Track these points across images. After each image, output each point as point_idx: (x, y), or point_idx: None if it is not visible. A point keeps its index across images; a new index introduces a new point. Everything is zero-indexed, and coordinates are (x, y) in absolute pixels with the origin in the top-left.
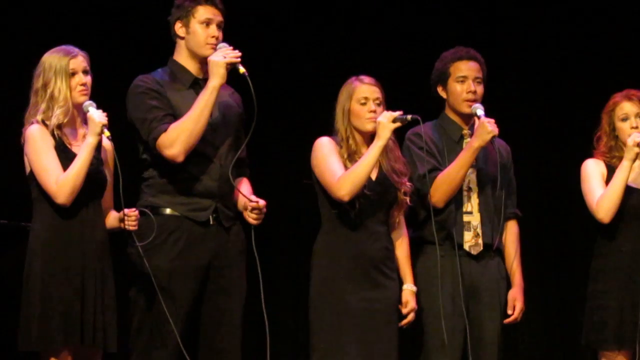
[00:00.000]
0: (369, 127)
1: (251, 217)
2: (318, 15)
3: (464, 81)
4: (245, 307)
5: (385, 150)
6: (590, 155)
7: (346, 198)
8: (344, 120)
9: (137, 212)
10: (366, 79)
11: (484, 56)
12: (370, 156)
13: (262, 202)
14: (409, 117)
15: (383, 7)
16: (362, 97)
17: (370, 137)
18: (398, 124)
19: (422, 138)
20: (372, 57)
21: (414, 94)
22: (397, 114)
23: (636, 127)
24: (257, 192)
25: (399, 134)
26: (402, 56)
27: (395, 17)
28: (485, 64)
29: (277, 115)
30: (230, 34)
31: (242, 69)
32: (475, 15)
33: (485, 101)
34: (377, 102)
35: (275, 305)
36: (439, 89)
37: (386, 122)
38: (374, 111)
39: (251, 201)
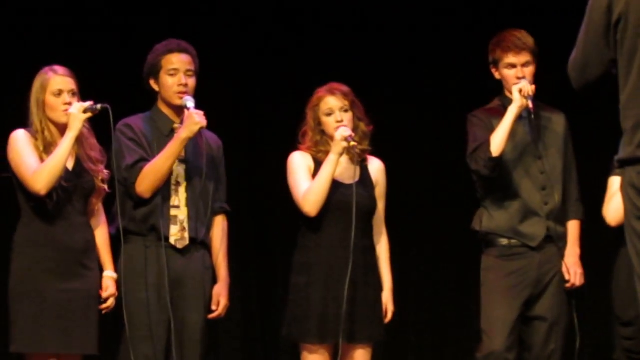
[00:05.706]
0: (64, 119)
1: None
2: None
3: (175, 74)
4: None
5: (80, 139)
6: (296, 149)
7: (43, 192)
8: (38, 113)
9: None
10: (60, 70)
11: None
12: (63, 148)
13: None
14: (99, 106)
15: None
16: (56, 89)
17: (65, 129)
18: (89, 114)
19: (132, 129)
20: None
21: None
22: (88, 104)
23: (341, 121)
24: None
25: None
26: None
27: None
28: (198, 57)
29: None
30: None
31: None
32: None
33: (198, 94)
34: (72, 93)
35: None
36: (151, 82)
37: (77, 112)
38: (69, 103)
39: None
